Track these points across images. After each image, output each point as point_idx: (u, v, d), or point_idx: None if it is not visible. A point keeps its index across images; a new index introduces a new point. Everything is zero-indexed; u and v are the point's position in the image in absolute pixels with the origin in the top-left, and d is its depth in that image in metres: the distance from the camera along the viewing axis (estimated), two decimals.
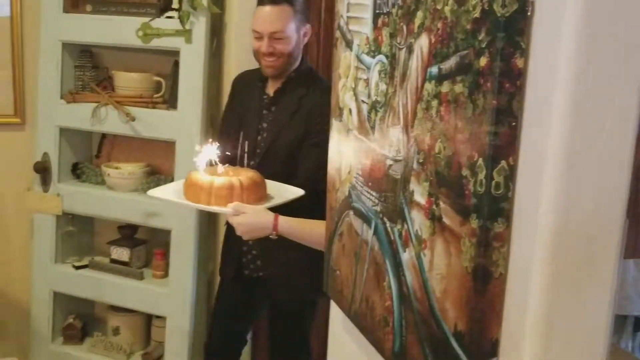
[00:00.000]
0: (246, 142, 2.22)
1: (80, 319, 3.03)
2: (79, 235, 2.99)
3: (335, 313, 1.36)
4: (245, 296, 2.46)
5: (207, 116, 2.70)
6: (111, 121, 2.77)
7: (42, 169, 2.89)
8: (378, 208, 1.11)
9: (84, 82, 2.90)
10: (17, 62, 3.02)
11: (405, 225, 1.02)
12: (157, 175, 2.92)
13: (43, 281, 2.94)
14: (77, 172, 2.98)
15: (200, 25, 2.60)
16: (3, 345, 3.16)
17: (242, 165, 2.17)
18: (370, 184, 1.14)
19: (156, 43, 2.67)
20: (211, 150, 2.02)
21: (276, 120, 2.25)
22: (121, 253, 2.88)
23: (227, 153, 2.14)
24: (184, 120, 2.67)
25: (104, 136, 3.05)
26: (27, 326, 3.05)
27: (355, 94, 1.21)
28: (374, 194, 1.13)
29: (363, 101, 1.17)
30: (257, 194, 2.00)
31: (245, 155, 2.20)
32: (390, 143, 1.07)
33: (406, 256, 1.02)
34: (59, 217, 2.90)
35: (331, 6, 2.93)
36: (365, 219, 1.16)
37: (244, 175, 2.01)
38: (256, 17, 2.19)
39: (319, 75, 2.38)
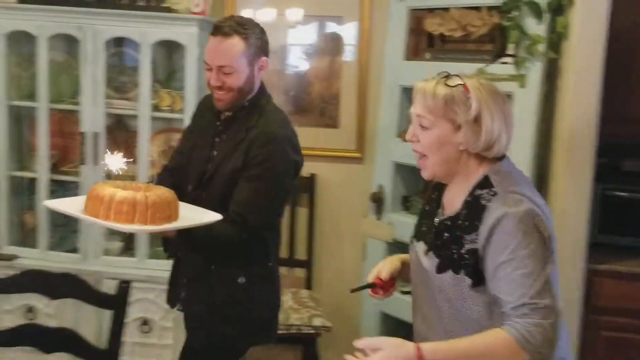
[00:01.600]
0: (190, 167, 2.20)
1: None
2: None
3: None
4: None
5: (535, 161, 2.73)
6: None
7: (377, 199, 3.21)
8: None
9: None
10: (361, 103, 3.42)
11: None
12: None
13: (373, 301, 3.25)
14: (406, 204, 3.24)
15: (535, 70, 2.66)
16: (334, 354, 3.54)
17: (184, 189, 2.14)
18: None
19: None
20: (114, 160, 1.81)
21: (223, 149, 2.15)
22: None
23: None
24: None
25: None
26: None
27: None
28: None
29: None
30: (164, 213, 1.79)
31: (189, 180, 2.18)
32: None
33: None
34: (389, 244, 3.17)
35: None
36: None
37: (154, 191, 1.81)
38: (207, 47, 2.10)
39: (274, 107, 2.23)
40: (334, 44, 3.45)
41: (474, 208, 1.59)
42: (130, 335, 3.15)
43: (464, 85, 1.58)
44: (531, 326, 1.46)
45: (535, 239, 1.51)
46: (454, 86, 1.57)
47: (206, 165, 2.17)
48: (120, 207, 1.71)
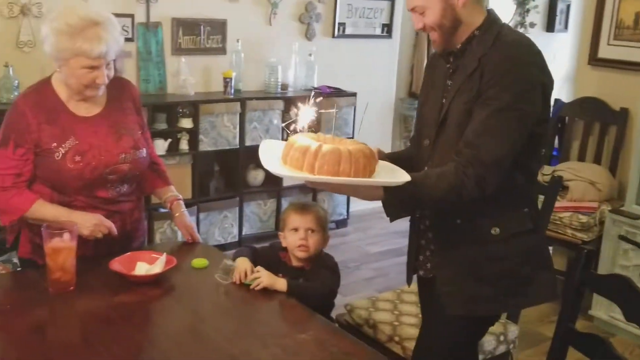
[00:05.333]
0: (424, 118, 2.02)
1: None
2: None
3: None
4: (424, 306, 2.20)
5: None
6: None
7: None
8: None
9: None
10: None
11: None
12: None
13: None
14: None
15: None
16: None
17: (420, 147, 2.00)
18: None
19: None
20: (308, 113, 1.84)
21: (454, 87, 1.90)
22: None
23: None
24: None
25: None
26: None
27: None
28: None
29: None
30: (334, 167, 1.67)
31: (424, 136, 1.99)
32: None
33: None
34: None
35: None
36: None
37: (340, 144, 1.75)
38: None
39: (510, 29, 1.91)
40: None
41: None
42: None
43: None
44: None
45: None
46: None
47: (439, 113, 1.92)
48: (294, 153, 1.71)
